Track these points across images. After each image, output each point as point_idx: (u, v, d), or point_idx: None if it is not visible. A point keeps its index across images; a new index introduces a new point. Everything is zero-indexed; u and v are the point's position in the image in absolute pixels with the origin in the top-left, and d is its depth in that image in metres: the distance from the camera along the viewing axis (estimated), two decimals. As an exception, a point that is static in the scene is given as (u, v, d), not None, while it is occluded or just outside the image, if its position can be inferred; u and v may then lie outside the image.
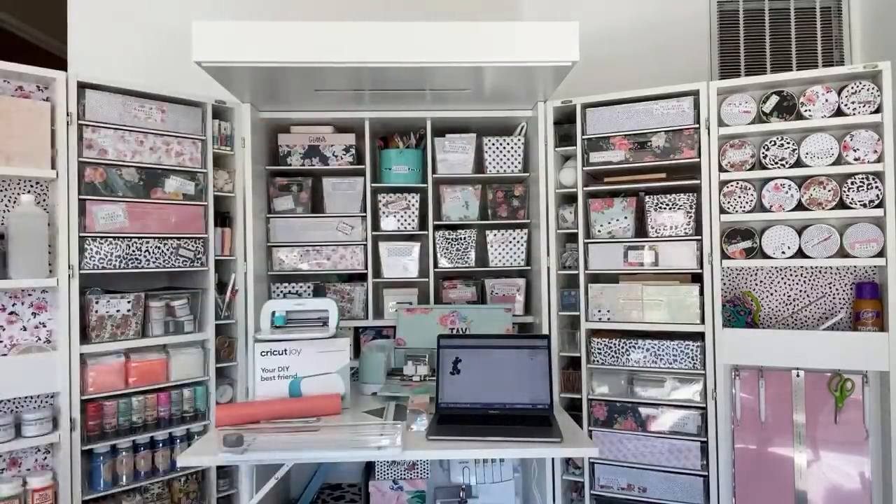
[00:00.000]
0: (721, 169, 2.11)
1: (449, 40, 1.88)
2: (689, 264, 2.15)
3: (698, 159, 2.13)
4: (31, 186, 1.89)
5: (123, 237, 1.99)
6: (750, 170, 2.08)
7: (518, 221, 2.51)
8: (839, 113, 1.99)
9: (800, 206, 2.02)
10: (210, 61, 1.85)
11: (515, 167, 2.48)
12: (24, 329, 1.88)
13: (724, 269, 2.16)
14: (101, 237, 1.94)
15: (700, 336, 2.15)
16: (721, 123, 2.11)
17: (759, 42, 2.78)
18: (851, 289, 2.09)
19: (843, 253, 1.99)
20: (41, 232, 1.83)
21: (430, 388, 2.02)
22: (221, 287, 2.26)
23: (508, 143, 2.49)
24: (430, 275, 2.47)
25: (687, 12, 2.79)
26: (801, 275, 2.15)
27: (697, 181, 2.14)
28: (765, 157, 2.06)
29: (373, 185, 2.48)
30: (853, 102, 1.97)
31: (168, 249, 2.08)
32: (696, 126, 2.14)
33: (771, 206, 2.05)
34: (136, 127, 2.03)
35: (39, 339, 1.90)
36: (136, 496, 2.04)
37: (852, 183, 1.97)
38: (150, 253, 2.04)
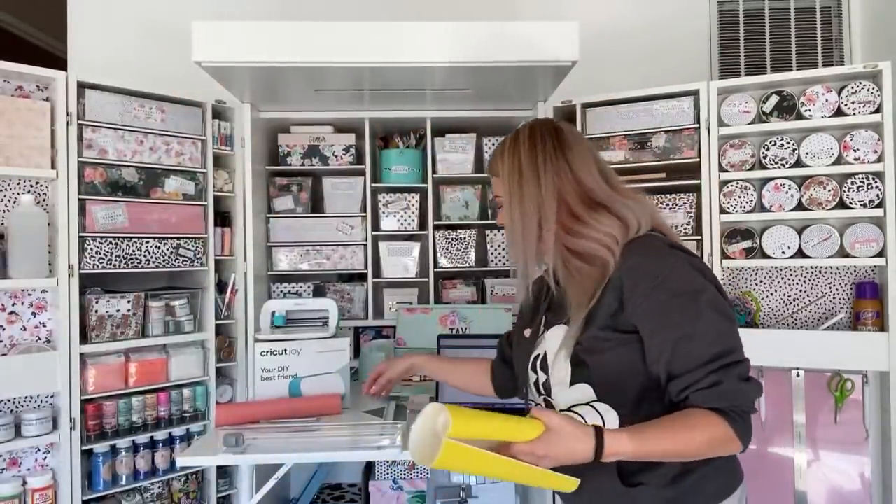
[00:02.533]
0: (721, 169, 2.11)
1: (449, 40, 1.87)
2: (689, 264, 2.14)
3: (698, 159, 2.13)
4: (31, 186, 1.89)
5: (123, 237, 1.98)
6: (750, 170, 2.08)
7: (518, 221, 2.50)
8: (839, 113, 1.99)
9: (800, 206, 2.02)
10: (210, 61, 1.85)
11: (515, 167, 2.47)
12: (24, 329, 1.88)
13: (724, 269, 2.16)
14: (101, 237, 1.94)
15: (700, 336, 2.14)
16: (721, 123, 2.11)
17: (759, 42, 2.78)
18: (851, 289, 2.09)
19: (843, 253, 1.98)
20: (41, 232, 1.83)
21: (430, 388, 2.02)
22: (221, 287, 2.26)
23: (508, 143, 2.48)
24: (430, 275, 2.46)
25: (687, 12, 2.79)
26: (801, 275, 2.15)
27: (697, 181, 2.14)
28: (765, 157, 2.06)
29: (373, 185, 2.48)
30: (853, 102, 1.97)
31: (168, 249, 2.08)
32: (696, 126, 2.14)
33: (771, 206, 2.05)
34: (136, 127, 2.03)
35: (39, 338, 1.90)
36: (136, 496, 2.04)
37: (852, 183, 1.96)
38: (150, 253, 2.04)
